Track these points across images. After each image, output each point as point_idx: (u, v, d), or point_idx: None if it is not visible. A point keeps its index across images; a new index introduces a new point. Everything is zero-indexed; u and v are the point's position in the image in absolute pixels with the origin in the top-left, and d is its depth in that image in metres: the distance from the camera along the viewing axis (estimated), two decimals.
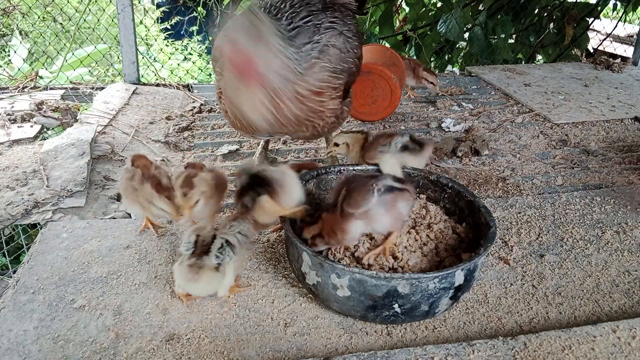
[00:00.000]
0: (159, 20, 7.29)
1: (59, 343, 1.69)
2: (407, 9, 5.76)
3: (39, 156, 2.73)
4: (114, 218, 2.37)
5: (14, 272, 2.13)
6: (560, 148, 3.24)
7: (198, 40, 7.67)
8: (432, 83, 3.73)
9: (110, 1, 5.48)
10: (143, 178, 2.04)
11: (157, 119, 3.39)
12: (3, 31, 6.03)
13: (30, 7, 5.35)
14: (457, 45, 5.72)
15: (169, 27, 7.05)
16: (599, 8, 5.63)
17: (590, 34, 5.84)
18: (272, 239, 2.22)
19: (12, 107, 3.38)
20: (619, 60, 5.23)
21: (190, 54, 7.67)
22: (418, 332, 1.79)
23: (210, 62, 7.70)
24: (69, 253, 2.09)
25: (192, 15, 6.34)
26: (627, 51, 6.15)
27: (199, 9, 5.98)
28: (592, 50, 5.93)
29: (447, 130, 3.42)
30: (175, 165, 2.90)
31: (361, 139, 2.50)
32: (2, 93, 3.66)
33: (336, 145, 2.51)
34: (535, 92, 4.08)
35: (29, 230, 2.75)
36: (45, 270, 1.99)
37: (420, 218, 2.08)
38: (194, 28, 7.15)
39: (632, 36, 6.49)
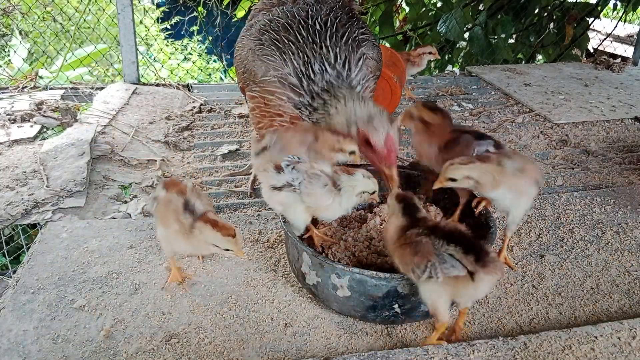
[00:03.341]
0: (159, 20, 7.29)
1: (59, 343, 1.69)
2: (407, 9, 5.76)
3: (38, 156, 2.73)
4: (114, 218, 2.36)
5: (14, 272, 2.13)
6: (560, 148, 3.24)
7: (198, 40, 7.66)
8: (430, 53, 3.79)
9: (110, 1, 5.48)
10: (195, 218, 1.79)
11: (157, 119, 3.39)
12: (3, 31, 6.02)
13: (30, 7, 5.34)
14: (457, 45, 5.71)
15: (169, 27, 7.05)
16: (599, 8, 5.62)
17: (591, 34, 5.83)
18: (272, 239, 2.22)
19: (12, 107, 3.37)
20: (619, 60, 5.23)
21: (190, 54, 7.67)
22: (418, 332, 1.79)
23: (210, 63, 7.71)
24: (69, 253, 2.08)
25: (192, 15, 6.33)
26: (627, 51, 6.14)
27: (199, 9, 5.98)
28: (592, 50, 5.92)
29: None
30: (175, 165, 2.90)
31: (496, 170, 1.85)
32: (2, 93, 3.66)
33: (452, 180, 1.88)
34: (535, 92, 4.08)
35: (29, 230, 2.75)
36: (45, 270, 1.99)
37: None
38: (194, 28, 7.14)
39: (632, 36, 6.48)
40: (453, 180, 1.85)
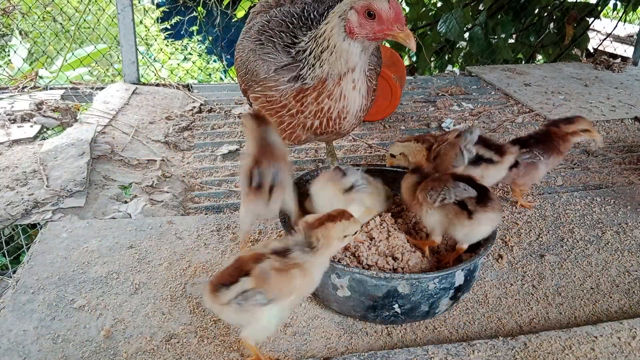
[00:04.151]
0: (159, 20, 7.28)
1: (59, 343, 1.69)
2: (407, 9, 5.76)
3: (38, 156, 2.73)
4: (114, 218, 2.37)
5: (14, 272, 2.13)
6: None
7: (198, 40, 7.66)
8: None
9: (110, 1, 5.47)
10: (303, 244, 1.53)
11: (157, 119, 3.39)
12: (3, 31, 6.02)
13: (30, 7, 5.34)
14: (457, 45, 5.72)
15: (169, 27, 7.04)
16: (599, 8, 5.63)
17: (590, 34, 5.83)
18: (271, 239, 2.22)
19: (12, 107, 3.37)
20: (619, 60, 5.23)
21: (190, 53, 7.66)
22: (418, 332, 1.79)
23: (210, 63, 7.70)
24: (69, 253, 2.08)
25: (192, 15, 6.32)
26: (627, 51, 6.14)
27: (199, 9, 5.97)
28: (592, 50, 5.93)
29: (447, 130, 3.42)
30: (175, 165, 2.90)
31: (422, 150, 2.14)
32: (2, 93, 3.66)
33: (392, 156, 2.22)
34: (535, 92, 4.08)
35: (29, 230, 2.75)
36: (45, 270, 1.99)
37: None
38: (194, 28, 7.14)
39: (632, 36, 6.48)
40: (393, 156, 2.15)
